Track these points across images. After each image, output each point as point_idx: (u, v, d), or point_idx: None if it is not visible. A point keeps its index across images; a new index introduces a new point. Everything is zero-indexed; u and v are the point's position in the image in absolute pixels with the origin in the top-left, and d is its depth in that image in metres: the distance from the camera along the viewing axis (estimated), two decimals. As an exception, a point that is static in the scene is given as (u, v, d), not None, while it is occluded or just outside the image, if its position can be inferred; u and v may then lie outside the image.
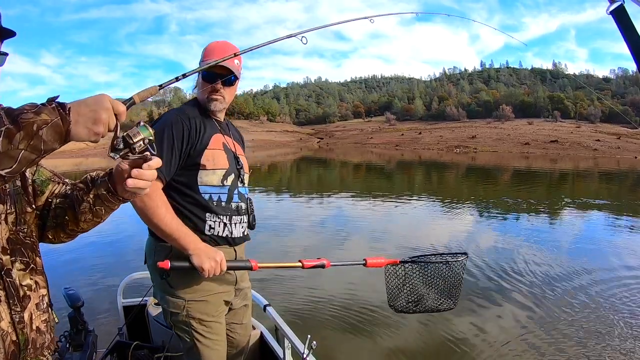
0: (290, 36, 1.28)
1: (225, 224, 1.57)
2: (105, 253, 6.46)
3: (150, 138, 0.86)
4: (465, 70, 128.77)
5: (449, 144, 56.68)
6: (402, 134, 72.02)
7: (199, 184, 1.52)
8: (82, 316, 2.06)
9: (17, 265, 0.95)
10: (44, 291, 1.02)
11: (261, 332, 2.23)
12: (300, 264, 1.61)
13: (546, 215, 9.89)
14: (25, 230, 0.99)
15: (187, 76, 1.02)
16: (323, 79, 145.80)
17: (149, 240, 1.58)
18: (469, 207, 11.16)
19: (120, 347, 2.16)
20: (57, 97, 0.78)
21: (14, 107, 0.76)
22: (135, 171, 0.90)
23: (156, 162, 0.91)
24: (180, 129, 1.47)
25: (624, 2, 0.94)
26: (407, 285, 1.76)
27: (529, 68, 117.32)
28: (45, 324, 1.00)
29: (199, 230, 1.53)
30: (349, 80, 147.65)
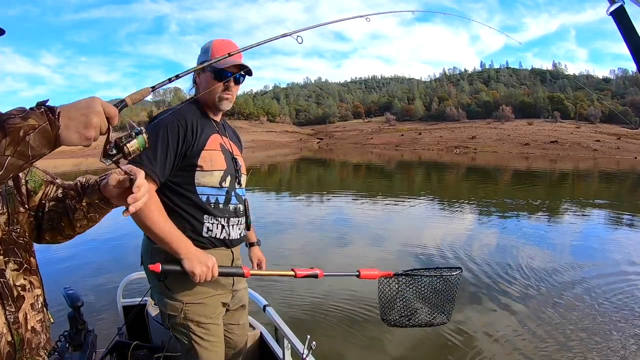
0: (285, 35, 1.29)
1: (223, 226, 1.56)
2: (105, 253, 6.47)
3: (144, 145, 0.84)
4: (465, 70, 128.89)
5: (449, 144, 56.67)
6: (402, 135, 72.00)
7: (196, 185, 1.50)
8: (81, 316, 2.06)
9: (11, 265, 0.94)
10: (38, 291, 1.02)
11: (261, 333, 2.23)
12: (292, 272, 1.59)
13: (545, 215, 9.89)
14: (18, 230, 0.98)
15: (180, 77, 1.01)
16: (323, 80, 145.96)
17: (144, 242, 1.56)
18: (468, 207, 11.16)
19: (120, 347, 2.16)
20: (47, 100, 0.76)
21: (4, 111, 0.75)
22: (130, 199, 0.90)
23: (141, 177, 0.91)
24: (176, 130, 1.44)
25: (624, 2, 0.94)
26: (400, 298, 1.73)
27: (529, 68, 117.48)
28: (40, 324, 1.00)
29: (196, 232, 1.52)
30: (348, 80, 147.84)
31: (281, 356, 1.98)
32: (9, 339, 0.91)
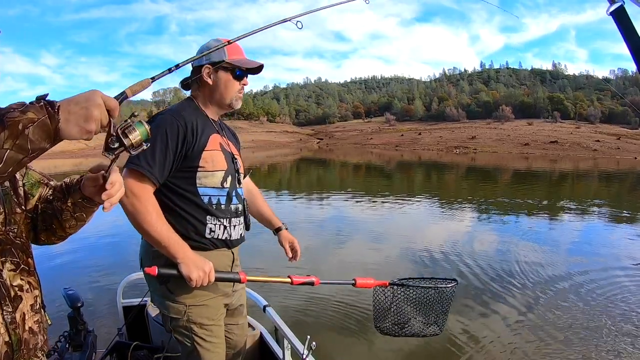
0: (285, 20, 1.30)
1: (225, 227, 1.55)
2: (105, 253, 6.46)
3: (146, 134, 0.84)
4: (465, 70, 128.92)
5: (449, 144, 56.68)
6: (402, 135, 72.01)
7: (198, 186, 1.48)
8: (81, 316, 2.06)
9: (8, 265, 0.94)
10: (36, 292, 1.01)
11: (261, 333, 2.23)
12: (289, 279, 1.59)
13: (544, 215, 9.88)
14: (15, 230, 0.98)
15: (180, 67, 1.02)
16: (323, 80, 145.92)
17: (144, 245, 1.55)
18: (468, 207, 11.16)
19: (120, 348, 2.16)
20: (46, 95, 0.76)
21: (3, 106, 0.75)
22: (104, 196, 0.90)
23: (114, 175, 0.90)
24: (175, 131, 1.42)
25: (624, 3, 0.94)
26: (394, 307, 1.73)
27: (529, 69, 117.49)
28: (37, 325, 1.00)
29: (199, 234, 1.50)
30: (348, 80, 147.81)
31: (281, 356, 1.97)
32: (7, 339, 0.91)
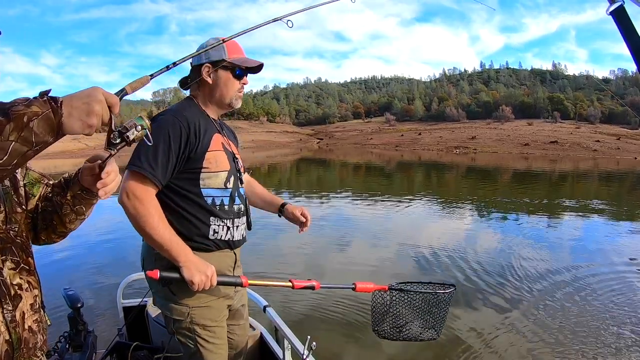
0: (276, 20, 1.31)
1: (228, 228, 1.54)
2: (105, 253, 6.46)
3: (146, 129, 0.86)
4: (465, 71, 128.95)
5: (449, 144, 56.68)
6: (402, 135, 72.00)
7: (201, 187, 1.47)
8: (81, 317, 2.06)
9: (8, 264, 0.95)
10: (36, 291, 1.02)
11: (261, 333, 2.23)
12: (290, 283, 1.58)
13: (544, 215, 9.88)
14: (15, 229, 0.99)
15: (177, 64, 1.03)
16: (323, 80, 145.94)
17: (146, 247, 1.52)
18: (468, 207, 11.17)
19: (120, 348, 2.16)
20: (49, 90, 0.78)
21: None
22: (99, 184, 0.93)
23: (110, 165, 0.93)
24: (178, 132, 1.40)
25: (624, 2, 0.94)
26: (393, 311, 1.74)
27: (529, 69, 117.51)
28: (37, 325, 1.00)
29: (202, 235, 1.49)
30: (348, 80, 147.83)
31: (281, 357, 1.98)
32: (7, 337, 0.91)
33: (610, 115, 71.25)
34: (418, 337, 1.77)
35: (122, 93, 0.86)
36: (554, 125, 71.74)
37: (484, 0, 1.84)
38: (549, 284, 4.91)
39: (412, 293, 1.74)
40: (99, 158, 0.98)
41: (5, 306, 0.91)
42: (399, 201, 11.90)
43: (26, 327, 0.96)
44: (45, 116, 0.75)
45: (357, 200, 12.38)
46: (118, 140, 0.85)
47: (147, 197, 1.35)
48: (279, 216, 1.91)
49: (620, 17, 0.94)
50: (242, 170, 1.64)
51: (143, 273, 1.51)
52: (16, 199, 1.02)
